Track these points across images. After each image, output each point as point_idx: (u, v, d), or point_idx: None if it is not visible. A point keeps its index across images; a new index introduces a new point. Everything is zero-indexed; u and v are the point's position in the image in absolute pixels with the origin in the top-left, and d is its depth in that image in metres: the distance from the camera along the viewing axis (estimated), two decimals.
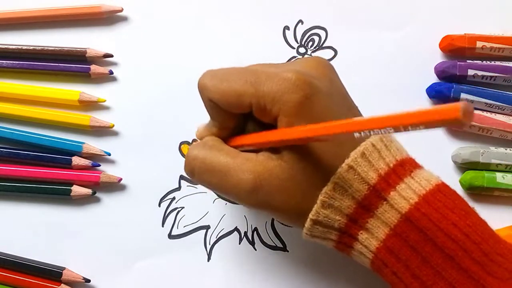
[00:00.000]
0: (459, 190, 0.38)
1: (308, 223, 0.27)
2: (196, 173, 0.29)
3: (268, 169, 0.27)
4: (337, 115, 0.27)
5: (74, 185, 0.38)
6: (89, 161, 0.39)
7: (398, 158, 0.27)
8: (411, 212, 0.26)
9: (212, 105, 0.29)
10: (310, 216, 0.27)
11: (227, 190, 0.28)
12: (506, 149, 0.38)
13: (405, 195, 0.26)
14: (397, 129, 0.20)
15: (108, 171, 0.39)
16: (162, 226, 0.39)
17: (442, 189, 0.27)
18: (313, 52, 0.41)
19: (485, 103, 0.38)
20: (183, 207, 0.39)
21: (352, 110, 0.29)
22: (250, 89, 0.28)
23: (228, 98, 0.28)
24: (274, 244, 0.38)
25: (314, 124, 0.25)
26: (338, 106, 0.28)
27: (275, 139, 0.27)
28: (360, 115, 0.30)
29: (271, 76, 0.27)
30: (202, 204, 0.39)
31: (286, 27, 0.41)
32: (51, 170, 0.39)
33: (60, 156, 0.39)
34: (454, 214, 0.26)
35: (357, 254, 0.28)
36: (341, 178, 0.26)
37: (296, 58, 0.41)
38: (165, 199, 0.39)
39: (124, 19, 0.42)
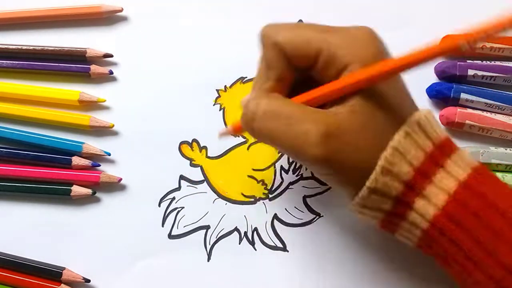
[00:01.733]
0: None
1: (364, 191, 0.27)
2: (256, 122, 0.28)
3: (341, 119, 0.27)
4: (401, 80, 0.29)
5: (74, 185, 0.38)
6: (89, 161, 0.39)
7: (442, 137, 0.28)
8: (469, 179, 0.26)
9: (276, 52, 0.28)
10: (368, 184, 0.26)
11: (292, 140, 0.27)
12: (506, 149, 0.38)
13: (460, 164, 0.27)
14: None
15: (108, 171, 0.39)
16: (162, 226, 0.39)
17: (483, 167, 0.28)
18: None
19: (485, 103, 0.38)
20: (183, 207, 0.39)
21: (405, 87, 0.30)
22: (322, 34, 0.28)
23: (297, 42, 0.28)
24: (274, 244, 0.38)
25: (390, 59, 0.26)
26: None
27: (353, 82, 0.27)
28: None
29: (343, 28, 0.28)
30: (202, 204, 0.39)
31: None
32: (51, 170, 0.39)
33: (60, 156, 0.39)
34: (504, 184, 0.27)
35: (408, 226, 0.28)
36: (399, 143, 0.26)
37: None
38: (165, 199, 0.39)
39: (124, 19, 0.42)
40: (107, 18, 0.41)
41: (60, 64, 0.40)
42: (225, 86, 0.41)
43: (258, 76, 0.30)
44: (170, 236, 0.39)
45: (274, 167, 0.40)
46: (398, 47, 0.40)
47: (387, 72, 0.26)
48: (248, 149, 0.40)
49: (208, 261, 0.38)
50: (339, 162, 0.27)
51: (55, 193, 0.38)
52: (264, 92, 0.29)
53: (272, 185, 0.39)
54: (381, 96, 0.27)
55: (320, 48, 0.27)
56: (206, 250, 0.38)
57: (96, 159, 0.39)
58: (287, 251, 0.38)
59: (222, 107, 0.40)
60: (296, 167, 0.40)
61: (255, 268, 0.38)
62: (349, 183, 0.28)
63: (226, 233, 0.39)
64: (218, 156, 0.40)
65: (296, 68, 0.29)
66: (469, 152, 0.38)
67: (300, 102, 0.29)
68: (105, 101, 0.40)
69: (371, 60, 0.27)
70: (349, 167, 0.27)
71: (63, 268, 0.38)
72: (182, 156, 0.40)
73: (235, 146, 0.40)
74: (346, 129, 0.26)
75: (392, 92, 0.28)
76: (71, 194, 0.38)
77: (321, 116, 0.27)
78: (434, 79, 0.40)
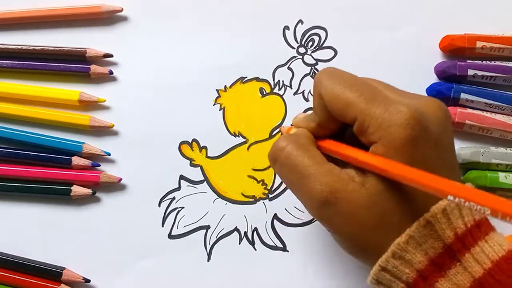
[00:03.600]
0: None
1: (376, 268, 0.26)
2: (277, 164, 0.29)
3: (346, 190, 0.26)
4: (437, 167, 0.26)
5: (74, 185, 0.38)
6: (89, 161, 0.39)
7: (476, 217, 0.26)
8: (485, 277, 0.25)
9: (320, 101, 0.29)
10: (379, 262, 0.26)
11: (299, 193, 0.28)
12: (506, 149, 0.38)
13: (479, 259, 0.25)
14: (494, 214, 0.20)
15: (108, 171, 0.39)
16: (162, 226, 0.39)
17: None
18: (313, 52, 0.41)
19: (485, 103, 0.38)
20: (183, 207, 0.39)
21: (453, 165, 0.28)
22: (361, 104, 0.27)
23: (337, 103, 0.28)
24: (274, 244, 0.38)
25: (410, 167, 0.24)
26: (440, 158, 0.27)
27: (365, 162, 0.26)
28: (459, 176, 0.29)
29: (388, 101, 0.26)
30: (202, 204, 0.39)
31: (286, 27, 0.41)
32: (51, 170, 0.39)
33: (60, 156, 0.39)
34: None
35: None
36: (418, 233, 0.25)
37: (295, 57, 0.41)
38: (165, 199, 0.39)
39: (124, 19, 0.42)
40: (107, 18, 0.41)
41: (60, 64, 0.40)
42: (225, 86, 0.41)
43: (309, 114, 0.31)
44: (170, 236, 0.39)
45: None
46: (398, 47, 0.41)
47: (404, 179, 0.25)
48: (248, 149, 0.40)
49: (208, 261, 0.38)
50: (337, 229, 0.27)
51: (55, 193, 0.38)
52: (303, 128, 0.30)
53: (272, 185, 0.39)
54: (396, 189, 0.26)
55: (356, 117, 0.27)
56: (206, 250, 0.38)
57: (96, 159, 0.39)
58: (287, 251, 0.38)
59: (222, 107, 0.40)
60: None
61: (255, 268, 0.38)
62: (351, 250, 0.28)
63: (226, 233, 0.39)
64: (218, 156, 0.40)
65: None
66: (470, 152, 0.38)
67: (327, 148, 0.29)
68: (105, 101, 0.40)
69: (396, 145, 0.25)
70: (348, 236, 0.27)
71: (63, 268, 0.38)
72: (182, 156, 0.40)
73: (235, 146, 0.40)
74: (350, 201, 0.26)
75: (411, 188, 0.26)
76: (71, 194, 0.38)
77: (332, 180, 0.27)
78: (434, 79, 0.40)
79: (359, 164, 0.27)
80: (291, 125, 0.34)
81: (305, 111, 0.40)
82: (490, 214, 0.20)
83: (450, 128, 0.28)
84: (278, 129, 0.40)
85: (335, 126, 0.30)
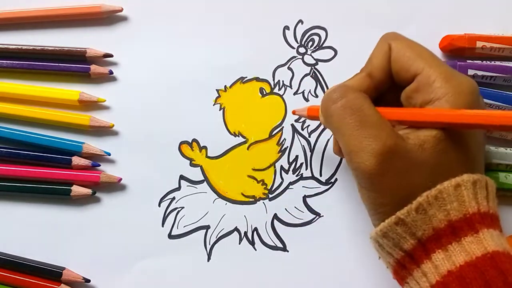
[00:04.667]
0: None
1: (391, 220, 0.27)
2: (337, 105, 0.29)
3: (402, 146, 0.27)
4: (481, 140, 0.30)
5: (74, 185, 0.38)
6: (89, 161, 0.39)
7: (492, 209, 0.27)
8: (497, 252, 0.25)
9: (382, 52, 0.30)
10: (398, 214, 0.26)
11: (354, 140, 0.28)
12: (506, 149, 0.38)
13: (496, 239, 0.26)
14: None
15: (108, 171, 0.39)
16: (162, 226, 0.39)
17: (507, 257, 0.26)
18: (313, 52, 0.41)
19: (485, 103, 0.38)
20: (183, 207, 0.39)
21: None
22: (429, 61, 0.28)
23: (409, 52, 0.29)
24: (274, 244, 0.38)
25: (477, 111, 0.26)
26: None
27: (436, 119, 0.27)
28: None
29: (453, 71, 0.29)
30: (202, 204, 0.39)
31: (286, 27, 0.41)
32: (51, 170, 0.39)
33: (60, 156, 0.39)
34: None
35: (419, 275, 0.27)
36: (446, 192, 0.26)
37: (295, 57, 0.41)
38: (165, 199, 0.39)
39: (124, 19, 0.42)
40: (107, 18, 0.41)
41: (60, 64, 0.40)
42: (225, 86, 0.41)
43: (366, 63, 0.33)
44: (170, 236, 0.39)
45: (274, 167, 0.40)
46: None
47: (474, 123, 0.26)
48: (248, 149, 0.40)
49: (208, 261, 0.38)
50: (383, 184, 0.27)
51: (55, 193, 0.38)
52: (356, 82, 0.31)
53: (272, 185, 0.39)
54: (456, 144, 0.27)
55: (423, 70, 0.28)
56: (206, 250, 0.38)
57: (96, 159, 0.39)
58: (287, 251, 0.38)
59: (222, 107, 0.40)
60: (296, 167, 0.40)
61: (255, 268, 0.38)
62: (382, 207, 0.28)
63: (226, 233, 0.39)
64: (218, 156, 0.40)
65: (393, 77, 0.30)
66: None
67: (383, 115, 0.29)
68: (105, 101, 0.40)
69: (462, 105, 0.27)
70: (390, 192, 0.27)
71: (63, 268, 0.38)
72: (182, 156, 0.40)
73: (235, 146, 0.40)
74: (406, 159, 0.27)
75: (467, 146, 0.28)
76: (71, 194, 0.38)
77: (392, 135, 0.27)
78: None
79: (422, 121, 0.27)
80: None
81: None
82: None
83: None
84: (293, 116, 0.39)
85: (382, 83, 0.31)
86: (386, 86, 0.31)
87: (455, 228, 0.26)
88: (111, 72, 0.40)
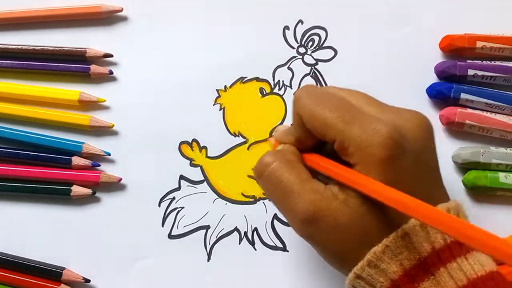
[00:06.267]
0: (462, 190, 0.38)
1: (351, 275, 0.26)
2: (262, 180, 0.29)
3: (330, 208, 0.26)
4: (416, 183, 0.26)
5: (74, 185, 0.38)
6: (89, 161, 0.39)
7: (438, 244, 0.26)
8: None
9: (299, 120, 0.29)
10: (355, 270, 0.26)
11: (283, 210, 0.28)
12: (506, 149, 0.38)
13: (454, 275, 0.25)
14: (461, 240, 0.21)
15: (108, 171, 0.39)
16: (162, 226, 0.39)
17: (495, 277, 0.26)
18: (313, 52, 0.41)
19: (485, 103, 0.38)
20: (183, 207, 0.39)
21: (437, 185, 0.28)
22: (340, 125, 0.27)
23: (315, 123, 0.28)
24: (274, 244, 0.38)
25: (388, 187, 0.24)
26: (420, 175, 0.27)
27: (346, 181, 0.26)
28: (443, 190, 0.28)
29: (366, 121, 0.26)
30: (202, 204, 0.39)
31: (286, 27, 0.41)
32: (51, 170, 0.39)
33: (60, 156, 0.39)
34: None
35: None
36: (394, 243, 0.25)
37: (295, 57, 0.41)
38: (165, 199, 0.39)
39: (124, 19, 0.42)
40: (107, 18, 0.41)
41: (60, 64, 0.40)
42: (225, 86, 0.41)
43: (290, 127, 0.32)
44: (170, 236, 0.39)
45: None
46: (398, 47, 0.41)
47: (384, 199, 0.25)
48: (248, 149, 0.40)
49: (208, 261, 0.38)
50: (320, 244, 0.27)
51: (55, 193, 0.38)
52: (287, 144, 0.30)
53: None
54: (377, 205, 0.26)
55: (335, 137, 0.27)
56: (206, 250, 0.38)
57: (96, 159, 0.39)
58: (287, 251, 0.38)
59: (222, 107, 0.40)
60: None
61: (255, 268, 0.38)
62: (332, 263, 0.28)
63: (226, 233, 0.39)
64: (218, 156, 0.40)
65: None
66: (470, 152, 0.38)
67: (310, 163, 0.29)
68: (105, 101, 0.40)
69: (374, 166, 0.26)
70: (331, 251, 0.27)
71: (63, 268, 0.38)
72: (182, 156, 0.40)
73: (235, 146, 0.40)
74: (333, 220, 0.26)
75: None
76: (71, 194, 0.38)
77: (316, 198, 0.27)
78: (434, 79, 0.40)
79: (341, 180, 0.27)
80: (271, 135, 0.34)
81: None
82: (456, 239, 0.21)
83: (431, 143, 0.28)
84: (267, 138, 0.39)
85: (315, 142, 0.30)
86: (313, 141, 0.30)
87: (411, 276, 0.25)
88: (111, 72, 0.40)
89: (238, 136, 0.40)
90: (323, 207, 0.27)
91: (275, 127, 0.40)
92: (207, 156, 0.40)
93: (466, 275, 0.25)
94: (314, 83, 0.40)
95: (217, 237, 0.39)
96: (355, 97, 0.29)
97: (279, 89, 0.41)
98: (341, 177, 0.27)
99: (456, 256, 0.26)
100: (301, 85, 0.40)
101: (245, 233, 0.39)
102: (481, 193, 0.38)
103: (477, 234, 0.21)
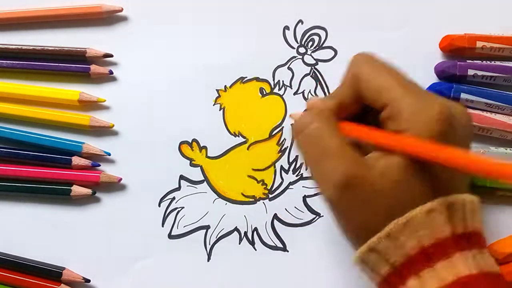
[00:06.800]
0: None
1: (363, 248, 0.26)
2: (301, 136, 0.29)
3: (367, 176, 0.26)
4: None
5: (74, 185, 0.38)
6: (89, 161, 0.39)
7: (470, 227, 0.26)
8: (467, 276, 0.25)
9: (353, 81, 0.29)
10: (369, 241, 0.26)
11: (318, 171, 0.28)
12: (506, 149, 0.38)
13: (468, 263, 0.25)
14: None
15: (108, 171, 0.39)
16: (162, 226, 0.39)
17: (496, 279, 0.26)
18: (313, 52, 0.41)
19: (485, 103, 0.38)
20: (183, 207, 0.39)
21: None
22: (398, 89, 0.27)
23: (373, 84, 0.28)
24: (274, 244, 0.38)
25: (437, 145, 0.25)
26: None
27: (391, 142, 0.26)
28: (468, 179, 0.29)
29: (422, 94, 0.27)
30: (202, 204, 0.39)
31: (286, 27, 0.41)
32: (51, 170, 0.39)
33: (60, 156, 0.39)
34: None
35: None
36: (417, 219, 0.25)
37: (295, 57, 0.41)
38: (165, 199, 0.39)
39: (124, 19, 0.42)
40: (107, 18, 0.41)
41: (60, 64, 0.40)
42: (225, 86, 0.41)
43: (333, 91, 0.31)
44: (170, 236, 0.39)
45: (274, 167, 0.40)
46: (398, 47, 0.41)
47: (436, 158, 0.25)
48: (248, 149, 0.40)
49: (208, 261, 0.38)
50: (347, 213, 0.27)
51: (55, 193, 0.38)
52: (324, 108, 0.30)
53: (272, 185, 0.39)
54: (423, 172, 0.26)
55: (389, 102, 0.27)
56: (206, 250, 0.38)
57: (96, 159, 0.39)
58: (287, 251, 0.38)
59: (222, 107, 0.40)
60: (296, 167, 0.40)
61: (255, 268, 0.38)
62: (351, 234, 0.28)
63: (226, 233, 0.39)
64: (218, 156, 0.40)
65: (364, 104, 0.29)
66: None
67: (350, 133, 0.29)
68: (105, 101, 0.40)
69: (425, 136, 0.26)
70: (356, 222, 0.27)
71: (63, 268, 0.38)
72: (182, 156, 0.40)
73: (235, 146, 0.40)
74: (368, 188, 0.26)
75: (436, 174, 0.27)
76: (71, 194, 0.38)
77: (351, 165, 0.27)
78: (434, 79, 0.40)
79: (385, 143, 0.27)
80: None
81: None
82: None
83: (471, 132, 0.29)
84: (286, 123, 0.39)
85: (355, 110, 0.30)
86: (360, 109, 0.30)
87: (427, 254, 0.25)
88: (111, 72, 0.40)
89: (238, 136, 0.40)
90: (361, 174, 0.26)
91: (275, 127, 0.40)
92: (207, 156, 0.40)
93: (480, 265, 0.25)
94: (314, 83, 0.40)
95: (217, 237, 0.39)
96: (413, 80, 0.30)
97: (279, 89, 0.41)
98: (386, 139, 0.27)
99: (473, 247, 0.26)
100: (301, 85, 0.40)
101: (245, 233, 0.39)
102: (481, 193, 0.38)
103: None
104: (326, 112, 0.29)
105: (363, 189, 0.26)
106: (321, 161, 0.27)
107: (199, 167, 0.40)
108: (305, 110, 0.31)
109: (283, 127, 0.40)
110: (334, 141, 0.28)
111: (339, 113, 0.30)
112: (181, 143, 0.40)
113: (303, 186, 0.39)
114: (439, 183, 0.27)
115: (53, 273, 0.37)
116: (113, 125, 0.39)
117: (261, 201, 0.39)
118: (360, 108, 0.30)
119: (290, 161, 0.40)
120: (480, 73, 0.38)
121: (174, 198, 0.39)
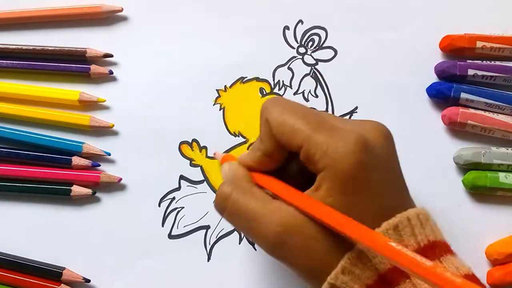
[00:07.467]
0: (462, 190, 0.38)
1: (325, 285, 0.26)
2: (226, 214, 0.29)
3: (296, 223, 0.26)
4: (385, 189, 0.27)
5: (74, 185, 0.38)
6: (89, 161, 0.39)
7: (430, 239, 0.26)
8: None
9: (267, 129, 0.29)
10: (328, 279, 0.26)
11: (254, 237, 0.28)
12: (507, 149, 0.38)
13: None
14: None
15: (108, 171, 0.39)
16: (162, 226, 0.39)
17: (471, 280, 0.25)
18: (313, 52, 0.41)
19: (485, 103, 0.38)
20: (183, 207, 0.39)
21: (401, 186, 0.28)
22: (307, 130, 0.27)
23: (284, 129, 0.28)
24: None
25: (348, 219, 0.25)
26: (387, 180, 0.27)
27: (303, 208, 0.26)
28: (408, 195, 0.28)
29: (333, 128, 0.27)
30: (202, 204, 0.39)
31: (286, 27, 0.41)
32: (51, 170, 0.39)
33: (60, 156, 0.39)
34: None
35: None
36: (365, 250, 0.25)
37: (295, 57, 0.41)
38: (165, 199, 0.39)
39: (124, 19, 0.42)
40: (107, 18, 0.41)
41: (60, 64, 0.40)
42: (225, 86, 0.41)
43: (255, 142, 0.31)
44: (170, 236, 0.39)
45: None
46: (398, 47, 0.41)
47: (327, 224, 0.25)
48: (248, 149, 0.40)
49: (208, 261, 0.38)
50: (292, 263, 0.27)
51: (55, 193, 0.38)
52: (239, 173, 0.30)
53: None
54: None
55: (302, 144, 0.27)
56: (206, 250, 0.38)
57: (96, 159, 0.39)
58: None
59: (222, 107, 0.40)
60: None
61: (255, 268, 0.38)
62: (308, 279, 0.28)
63: (226, 233, 0.39)
64: None
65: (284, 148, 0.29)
66: (471, 153, 0.38)
67: (268, 188, 0.29)
68: (105, 101, 0.40)
69: (345, 171, 0.25)
70: (304, 268, 0.27)
71: (63, 268, 0.38)
72: (182, 156, 0.40)
73: (235, 146, 0.40)
74: (301, 234, 0.26)
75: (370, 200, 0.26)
76: (71, 194, 0.38)
77: (281, 217, 0.26)
78: (434, 79, 0.40)
79: (291, 204, 0.27)
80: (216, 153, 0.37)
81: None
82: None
83: (393, 151, 0.29)
84: (213, 153, 0.39)
85: (282, 156, 0.29)
86: (281, 154, 0.30)
87: (385, 280, 0.25)
88: (111, 72, 0.40)
89: (238, 136, 0.40)
90: (290, 223, 0.26)
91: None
92: (207, 156, 0.40)
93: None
94: (314, 83, 0.40)
95: (217, 237, 0.39)
96: (321, 112, 0.30)
97: (279, 89, 0.41)
98: (293, 203, 0.27)
99: (431, 260, 0.26)
100: (301, 85, 0.41)
101: None
102: (481, 193, 0.38)
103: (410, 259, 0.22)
104: (241, 177, 0.30)
105: (297, 237, 0.26)
106: (252, 229, 0.28)
107: (199, 167, 0.40)
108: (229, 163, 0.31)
109: None
110: (254, 205, 0.28)
111: (265, 165, 0.30)
112: (181, 143, 0.40)
113: None
114: (378, 209, 0.26)
115: (53, 273, 0.37)
116: (113, 125, 0.39)
117: None
118: (283, 154, 0.29)
119: None
120: (480, 73, 0.38)
121: (174, 198, 0.39)
